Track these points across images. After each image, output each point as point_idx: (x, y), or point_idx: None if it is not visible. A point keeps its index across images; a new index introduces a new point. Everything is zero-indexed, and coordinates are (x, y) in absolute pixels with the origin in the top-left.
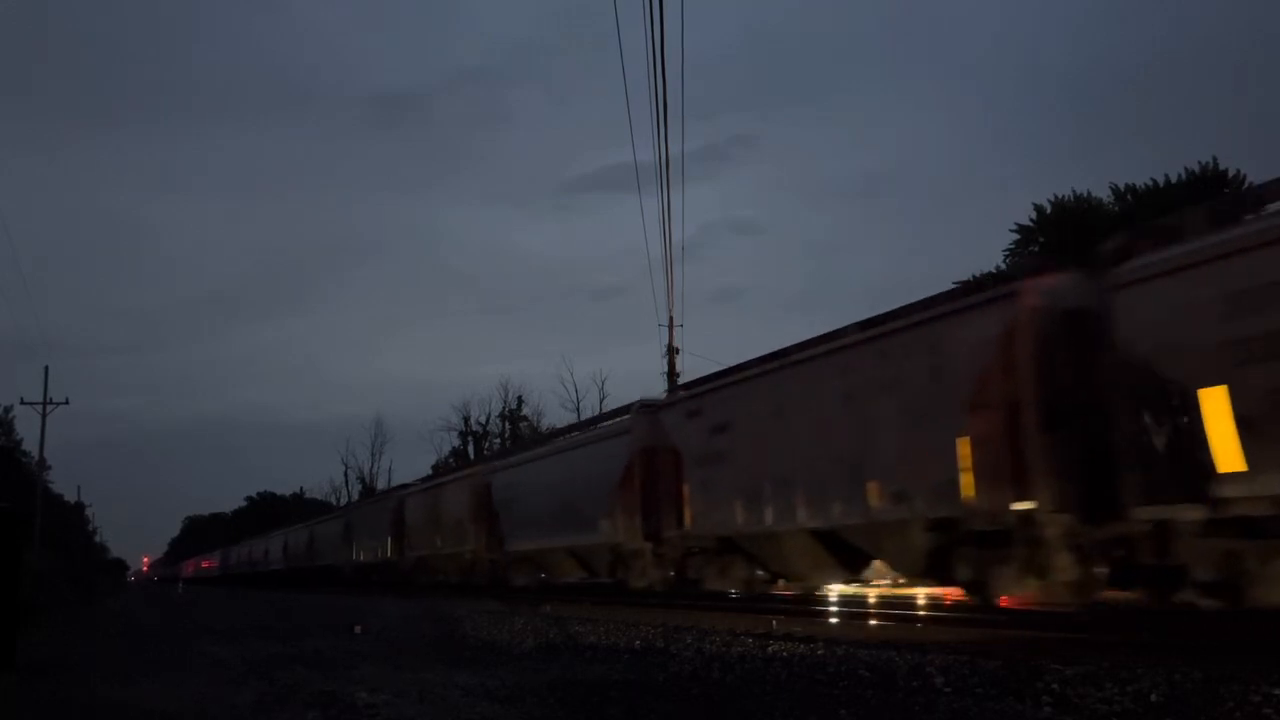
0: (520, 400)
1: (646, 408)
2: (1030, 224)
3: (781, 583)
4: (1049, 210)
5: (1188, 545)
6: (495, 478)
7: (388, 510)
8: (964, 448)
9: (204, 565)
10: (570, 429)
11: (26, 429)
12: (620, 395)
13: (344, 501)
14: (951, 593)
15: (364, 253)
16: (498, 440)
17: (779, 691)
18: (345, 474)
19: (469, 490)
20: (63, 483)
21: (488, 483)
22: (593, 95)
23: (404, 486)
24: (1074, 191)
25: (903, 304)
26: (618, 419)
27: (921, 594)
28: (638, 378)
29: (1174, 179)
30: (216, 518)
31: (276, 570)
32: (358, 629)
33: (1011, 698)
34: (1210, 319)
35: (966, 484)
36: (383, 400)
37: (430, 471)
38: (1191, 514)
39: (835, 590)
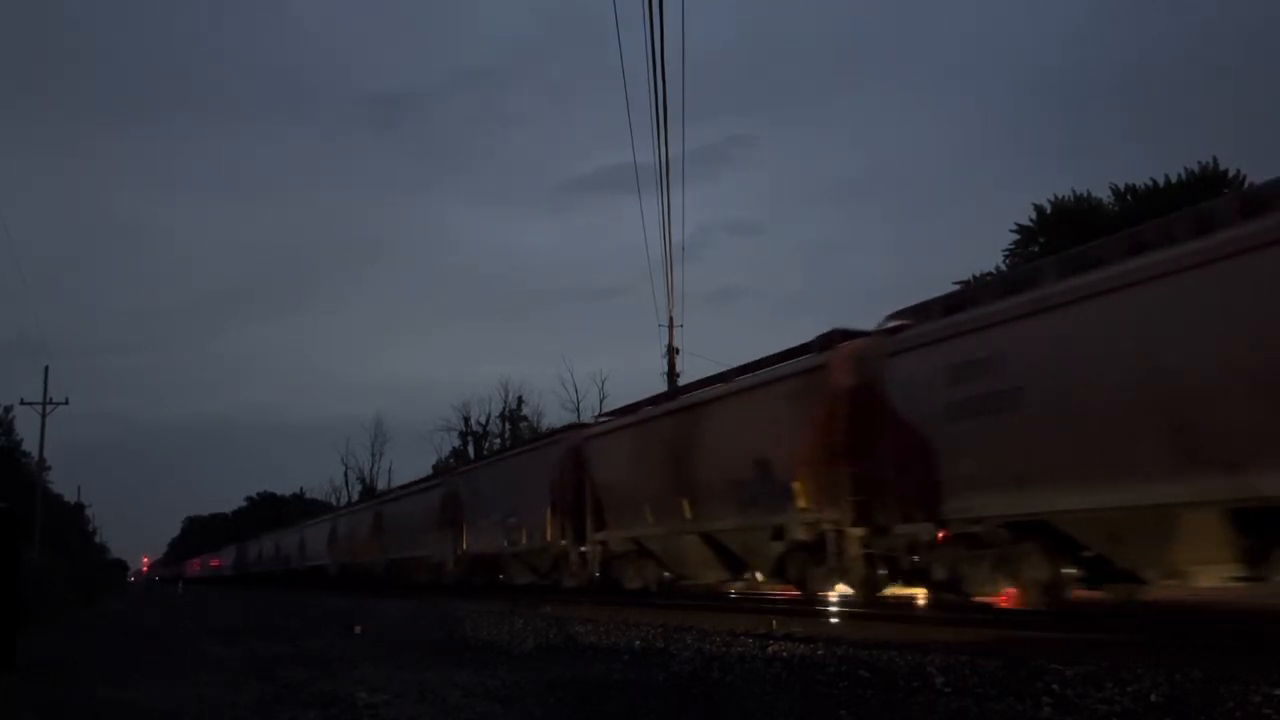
0: (520, 400)
1: None
2: (1030, 224)
3: None
4: (1049, 211)
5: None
6: (901, 363)
7: (547, 466)
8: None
9: (213, 564)
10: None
11: (26, 429)
12: (620, 395)
13: (344, 501)
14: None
15: (364, 253)
16: (498, 440)
17: (779, 691)
18: (345, 474)
19: (800, 396)
20: (63, 483)
21: (867, 379)
22: (592, 96)
23: (578, 426)
24: (1074, 192)
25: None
26: None
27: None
28: (638, 378)
29: (1174, 179)
30: (216, 518)
31: (318, 568)
32: (358, 629)
33: (1011, 698)
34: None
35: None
36: (383, 400)
37: (431, 471)
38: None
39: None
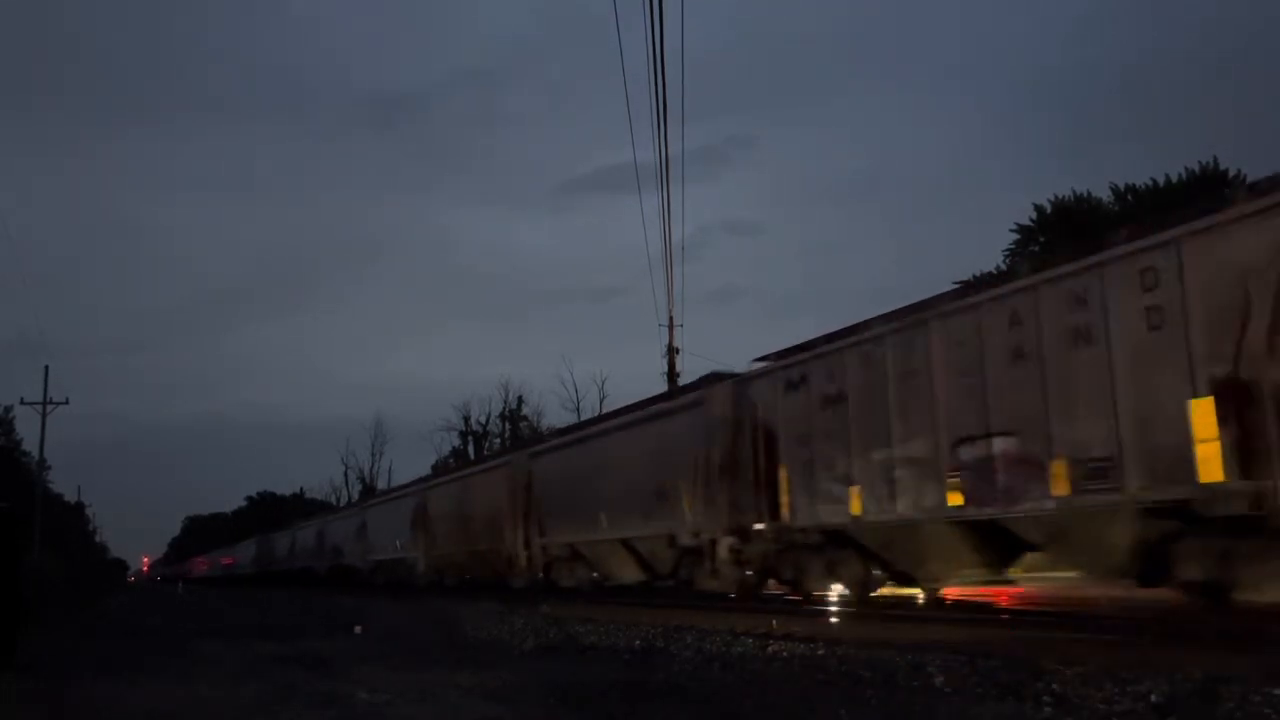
0: (520, 400)
1: None
2: (1030, 224)
3: None
4: (1049, 210)
5: None
6: None
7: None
8: None
9: (225, 562)
10: None
11: (26, 429)
12: (620, 395)
13: (344, 501)
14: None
15: (364, 253)
16: (498, 440)
17: (779, 691)
18: (345, 474)
19: None
20: (63, 483)
21: None
22: (592, 96)
23: None
24: (1074, 191)
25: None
26: None
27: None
28: (638, 378)
29: (1174, 178)
30: (216, 518)
31: (393, 564)
32: (358, 629)
33: (1011, 698)
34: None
35: None
36: (383, 400)
37: (431, 470)
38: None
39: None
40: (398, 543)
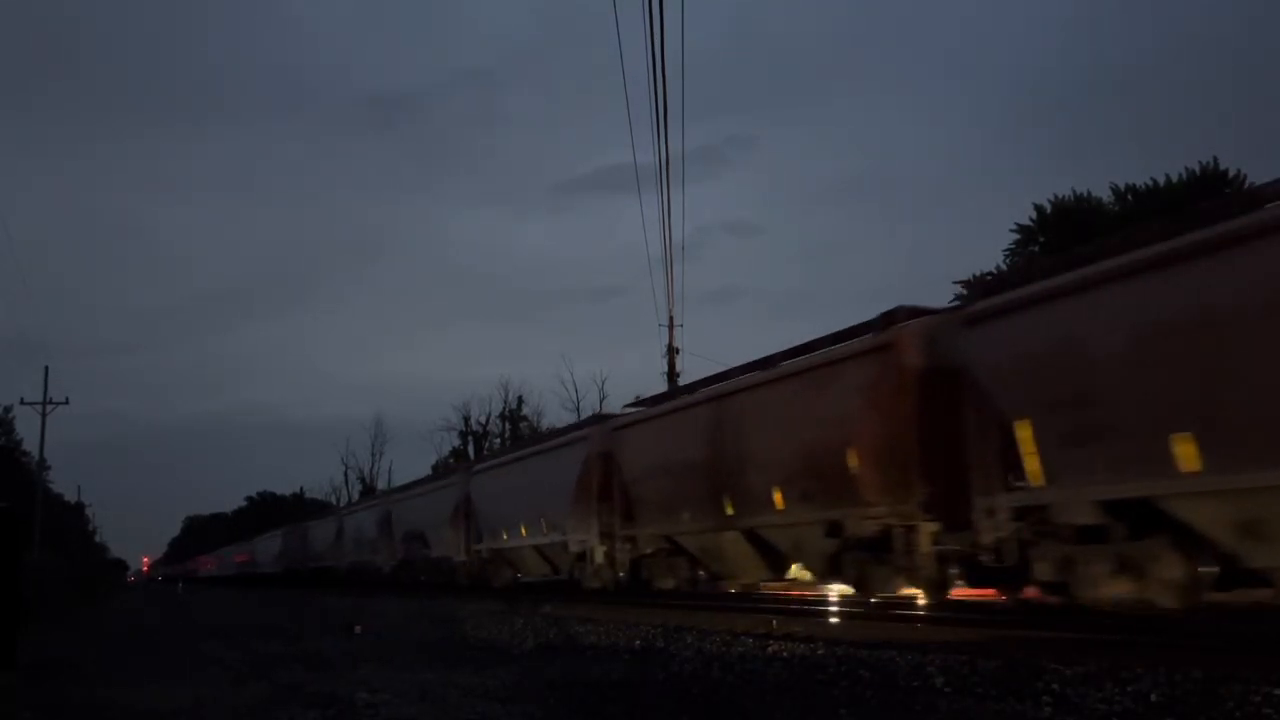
0: (520, 400)
1: None
2: (1030, 224)
3: None
4: (1049, 210)
5: None
6: None
7: None
8: None
9: (237, 559)
10: None
11: (26, 429)
12: (620, 395)
13: (344, 501)
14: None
15: (363, 253)
16: (498, 440)
17: (779, 691)
18: (345, 474)
19: None
20: (63, 483)
21: None
22: (592, 96)
23: None
24: (1074, 191)
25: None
26: None
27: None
28: (638, 378)
29: (1175, 179)
30: (216, 518)
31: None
32: (358, 629)
33: (1011, 698)
34: None
35: None
36: (383, 400)
37: (431, 471)
38: None
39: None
40: (540, 522)
